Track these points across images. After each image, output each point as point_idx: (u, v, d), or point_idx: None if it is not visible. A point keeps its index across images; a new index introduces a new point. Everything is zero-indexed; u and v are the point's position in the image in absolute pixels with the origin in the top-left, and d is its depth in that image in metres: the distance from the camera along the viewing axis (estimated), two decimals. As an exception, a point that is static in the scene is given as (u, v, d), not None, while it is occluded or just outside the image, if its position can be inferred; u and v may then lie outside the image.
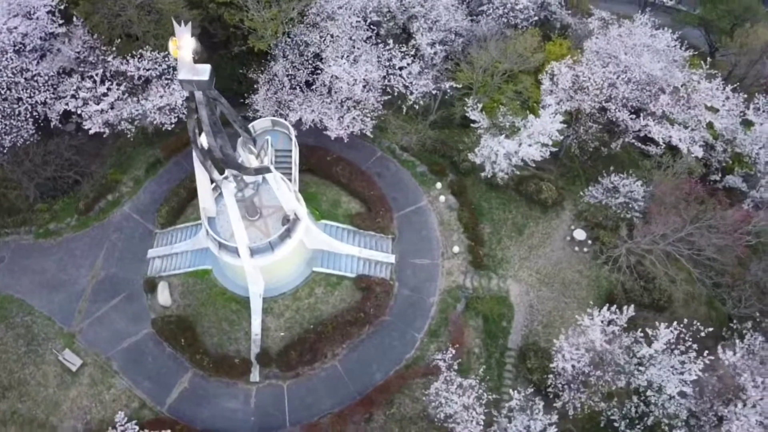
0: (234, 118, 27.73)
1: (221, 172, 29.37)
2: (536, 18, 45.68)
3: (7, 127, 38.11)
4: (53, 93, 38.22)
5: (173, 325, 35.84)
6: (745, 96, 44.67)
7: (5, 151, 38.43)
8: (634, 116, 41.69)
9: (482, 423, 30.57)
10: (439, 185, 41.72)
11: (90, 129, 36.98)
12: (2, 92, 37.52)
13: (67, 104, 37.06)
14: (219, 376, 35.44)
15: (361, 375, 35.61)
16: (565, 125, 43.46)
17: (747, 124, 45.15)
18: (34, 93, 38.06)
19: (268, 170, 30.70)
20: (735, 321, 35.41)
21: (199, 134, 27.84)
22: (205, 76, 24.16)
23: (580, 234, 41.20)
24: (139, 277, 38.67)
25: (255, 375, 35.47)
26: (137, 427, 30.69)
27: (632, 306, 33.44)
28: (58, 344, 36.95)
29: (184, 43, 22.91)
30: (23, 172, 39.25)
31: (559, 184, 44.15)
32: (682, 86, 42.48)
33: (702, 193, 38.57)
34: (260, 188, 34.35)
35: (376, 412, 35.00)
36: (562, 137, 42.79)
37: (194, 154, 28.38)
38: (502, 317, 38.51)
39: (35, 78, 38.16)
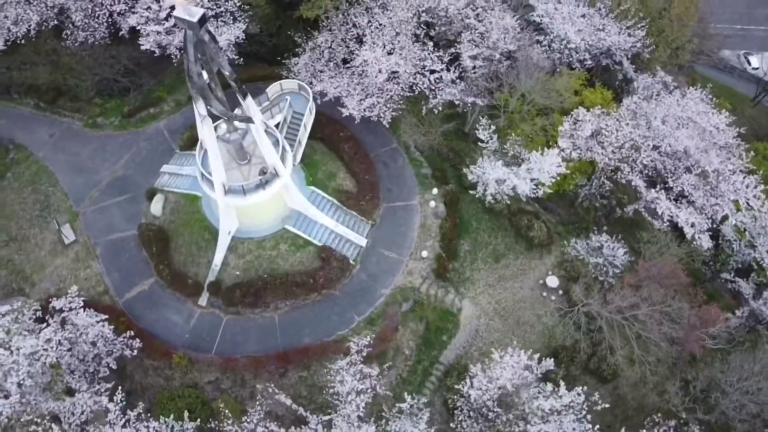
0: (222, 66, 30.62)
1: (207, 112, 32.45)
2: (592, 63, 45.03)
3: (85, 25, 43.58)
4: (130, 7, 43.15)
5: (152, 234, 39.93)
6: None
7: (77, 44, 43.97)
8: (646, 185, 40.49)
9: (362, 410, 31.91)
10: (435, 191, 42.73)
11: (143, 45, 41.53)
12: (89, -6, 43.04)
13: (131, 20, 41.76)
14: (174, 290, 39.10)
15: (292, 333, 37.92)
16: (585, 176, 43.22)
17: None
18: (115, 2, 43.18)
19: (250, 120, 33.51)
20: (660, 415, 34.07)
21: (201, 70, 30.98)
22: (194, 19, 27.17)
23: (552, 281, 40.88)
24: (147, 185, 43.03)
25: (203, 300, 38.80)
26: (82, 303, 34.89)
27: (552, 360, 33.38)
28: (63, 218, 42.21)
29: (177, -16, 26.14)
30: (87, 66, 44.83)
31: (559, 228, 43.81)
32: (713, 171, 40.63)
33: (683, 279, 36.98)
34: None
35: (292, 371, 37.27)
36: (573, 185, 42.66)
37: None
38: (445, 331, 39.30)
39: (120, -11, 43.31)
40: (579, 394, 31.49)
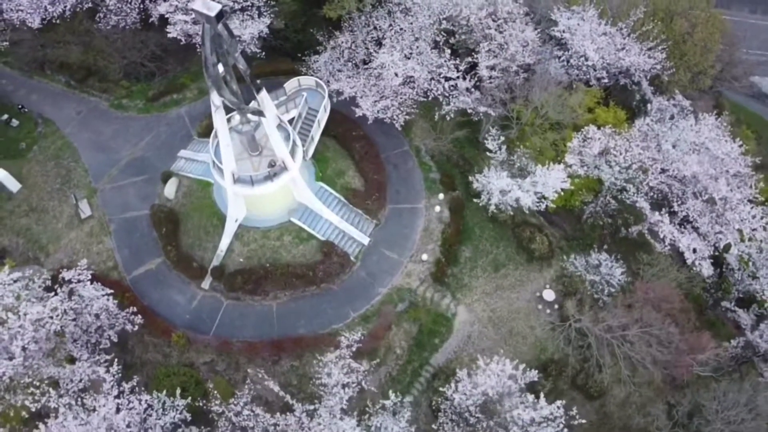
0: (237, 61, 31.71)
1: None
2: (609, 82, 45.15)
3: (117, 9, 45.24)
4: (161, -5, 44.66)
5: (163, 215, 41.35)
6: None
7: (109, 27, 45.63)
8: (651, 207, 40.55)
9: (345, 402, 32.82)
10: (441, 196, 43.37)
11: (170, 33, 42.93)
12: (123, -20, 44.68)
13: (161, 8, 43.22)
14: (179, 272, 40.45)
15: (288, 323, 39.00)
16: (593, 193, 43.44)
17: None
18: (147, -10, 44.81)
19: (261, 114, 34.63)
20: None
21: (217, 62, 32.16)
22: (212, 13, 28.33)
23: (549, 295, 41.23)
24: (164, 168, 44.48)
25: (206, 283, 40.08)
26: (90, 275, 36.38)
27: (536, 371, 33.86)
28: (81, 193, 43.89)
29: (196, -21, 27.31)
30: (116, 49, 46.54)
31: (562, 243, 44.06)
32: (720, 199, 40.56)
33: (678, 304, 37.06)
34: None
35: (285, 359, 38.33)
36: (580, 201, 42.94)
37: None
38: (438, 334, 39.97)
39: (153, -22, 44.84)
40: (558, 408, 31.96)
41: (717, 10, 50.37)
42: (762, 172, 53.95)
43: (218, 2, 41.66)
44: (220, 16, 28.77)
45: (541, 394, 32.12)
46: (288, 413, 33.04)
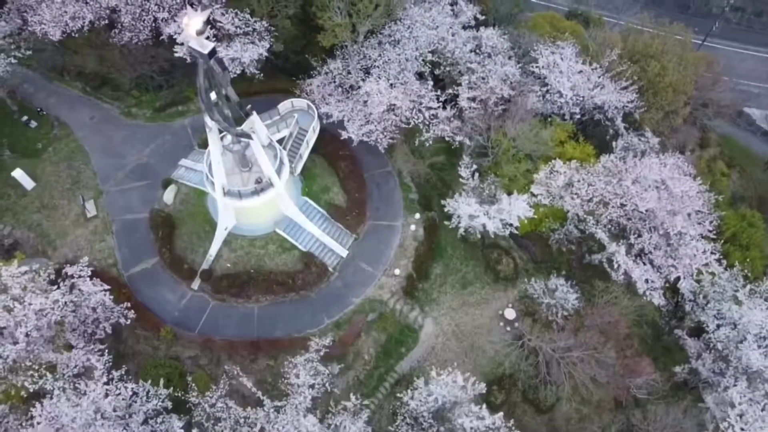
0: (227, 92, 35.43)
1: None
2: (584, 117, 48.13)
3: (131, 26, 49.07)
4: (172, 15, 48.35)
5: (160, 219, 45.18)
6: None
7: (123, 42, 49.52)
8: (610, 238, 43.51)
9: (309, 401, 36.36)
10: (417, 216, 46.75)
11: (177, 53, 46.65)
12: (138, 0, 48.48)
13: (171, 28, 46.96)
14: (172, 272, 44.28)
15: (267, 325, 42.66)
16: (560, 221, 46.56)
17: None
18: (160, 10, 48.51)
19: (249, 136, 38.29)
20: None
21: (210, 89, 35.90)
22: (205, 51, 31.96)
23: (510, 313, 44.45)
24: (165, 175, 48.28)
25: (195, 284, 43.85)
26: (90, 272, 40.25)
27: (483, 383, 37.13)
28: (89, 194, 47.83)
29: (191, 22, 30.89)
30: (129, 62, 50.49)
31: (528, 266, 47.24)
32: (675, 234, 43.42)
33: (622, 330, 40.08)
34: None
35: (262, 358, 41.99)
36: (546, 227, 46.10)
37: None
38: (404, 344, 43.39)
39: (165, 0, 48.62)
40: (500, 418, 35.23)
41: (712, 41, 51.47)
42: (742, 203, 56.97)
43: (223, 26, 45.82)
44: (212, 53, 32.41)
45: (484, 405, 35.37)
46: (258, 408, 36.68)
